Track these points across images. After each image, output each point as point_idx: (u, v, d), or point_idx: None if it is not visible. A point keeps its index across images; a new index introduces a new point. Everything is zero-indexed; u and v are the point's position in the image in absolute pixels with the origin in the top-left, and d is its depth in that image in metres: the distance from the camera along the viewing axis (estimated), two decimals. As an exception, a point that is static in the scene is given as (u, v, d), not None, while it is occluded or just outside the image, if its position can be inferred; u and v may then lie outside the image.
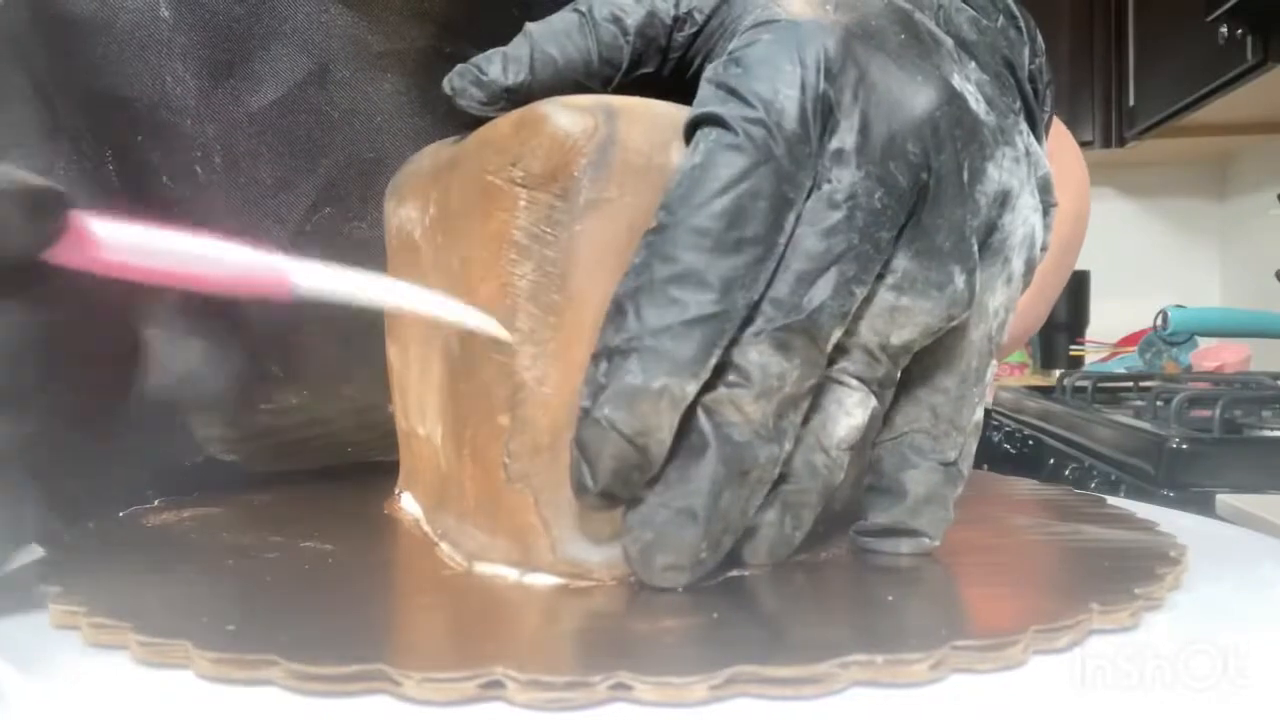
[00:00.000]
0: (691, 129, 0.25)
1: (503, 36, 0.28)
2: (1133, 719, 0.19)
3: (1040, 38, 0.30)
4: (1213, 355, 1.73)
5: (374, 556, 0.31)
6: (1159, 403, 1.12)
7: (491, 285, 0.26)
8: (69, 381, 0.26)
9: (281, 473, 0.42)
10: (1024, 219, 0.27)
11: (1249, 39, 1.45)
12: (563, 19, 0.28)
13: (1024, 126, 0.28)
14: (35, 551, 0.29)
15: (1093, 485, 1.09)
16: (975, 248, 0.26)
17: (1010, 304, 0.28)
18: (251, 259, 0.25)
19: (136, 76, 0.35)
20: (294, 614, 0.24)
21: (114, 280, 0.24)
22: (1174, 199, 2.40)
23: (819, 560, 0.28)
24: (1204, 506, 0.83)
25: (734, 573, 0.26)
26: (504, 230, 0.26)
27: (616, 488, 0.24)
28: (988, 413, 1.44)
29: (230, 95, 0.36)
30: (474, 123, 0.28)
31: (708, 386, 0.23)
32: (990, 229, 0.27)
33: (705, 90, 0.25)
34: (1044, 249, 0.29)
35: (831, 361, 0.25)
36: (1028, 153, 0.28)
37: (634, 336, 0.23)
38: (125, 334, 0.25)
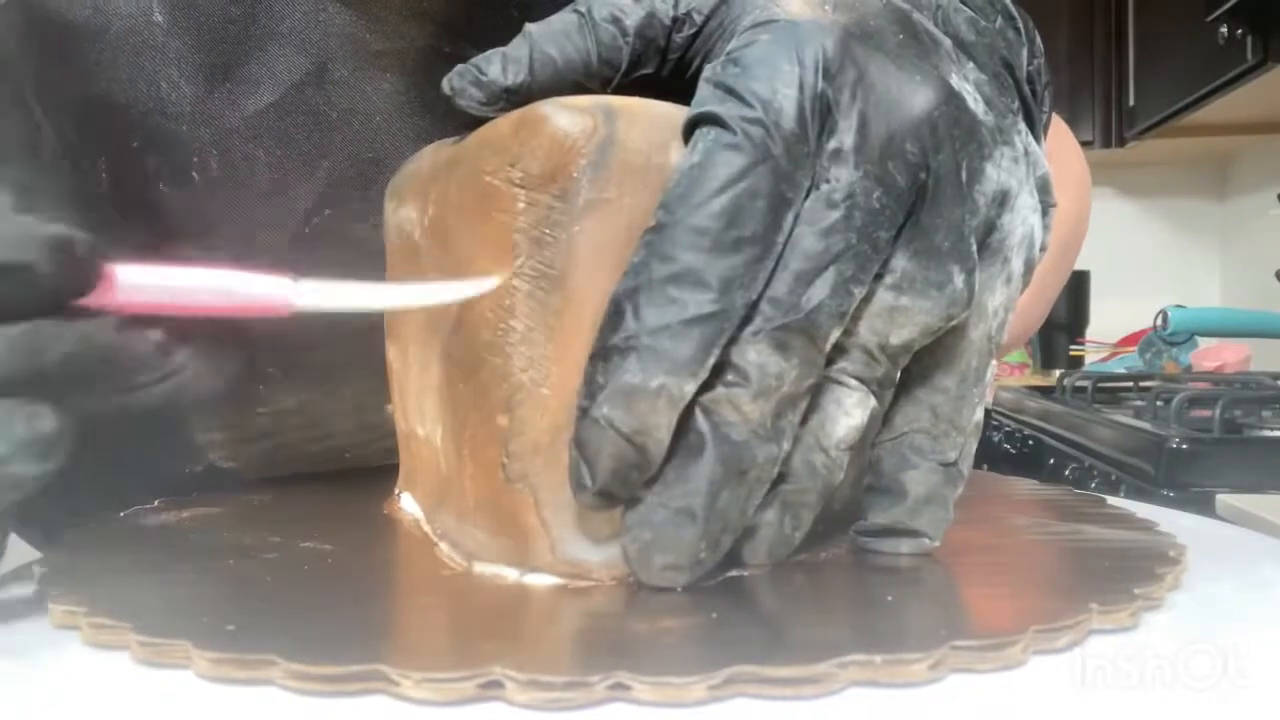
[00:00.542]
0: (690, 129, 0.25)
1: (501, 37, 0.28)
2: (1133, 719, 0.19)
3: (1039, 39, 0.30)
4: (1213, 355, 1.74)
5: (374, 556, 0.31)
6: (1159, 403, 1.12)
7: (491, 285, 0.26)
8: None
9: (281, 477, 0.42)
10: (1023, 219, 0.27)
11: (1249, 39, 1.45)
12: (562, 20, 0.28)
13: (1022, 126, 0.28)
14: (35, 551, 0.29)
15: (1093, 485, 1.09)
16: (974, 247, 0.26)
17: (1010, 304, 0.28)
18: (255, 283, 0.26)
19: (131, 82, 0.35)
20: (294, 614, 0.24)
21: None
22: (1174, 199, 2.40)
23: (818, 560, 0.28)
24: (1204, 506, 0.83)
25: (733, 573, 0.26)
26: (503, 231, 0.26)
27: (615, 487, 0.24)
28: (987, 413, 1.44)
29: (226, 98, 0.36)
30: (473, 123, 0.28)
31: (706, 386, 0.23)
32: (989, 229, 0.27)
33: (704, 90, 0.25)
34: (1043, 249, 0.29)
35: (830, 361, 0.25)
36: (1026, 153, 0.28)
37: (632, 336, 0.23)
38: (125, 339, 0.25)
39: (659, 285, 0.23)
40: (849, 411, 0.25)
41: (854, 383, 0.25)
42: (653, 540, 0.24)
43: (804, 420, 0.25)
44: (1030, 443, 1.45)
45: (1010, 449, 1.51)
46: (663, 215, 0.24)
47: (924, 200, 0.25)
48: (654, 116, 0.26)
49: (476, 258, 0.27)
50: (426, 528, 0.31)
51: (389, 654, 0.20)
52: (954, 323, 0.26)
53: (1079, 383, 1.42)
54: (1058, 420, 1.34)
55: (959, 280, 0.25)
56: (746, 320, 0.24)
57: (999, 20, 0.29)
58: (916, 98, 0.25)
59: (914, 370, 0.27)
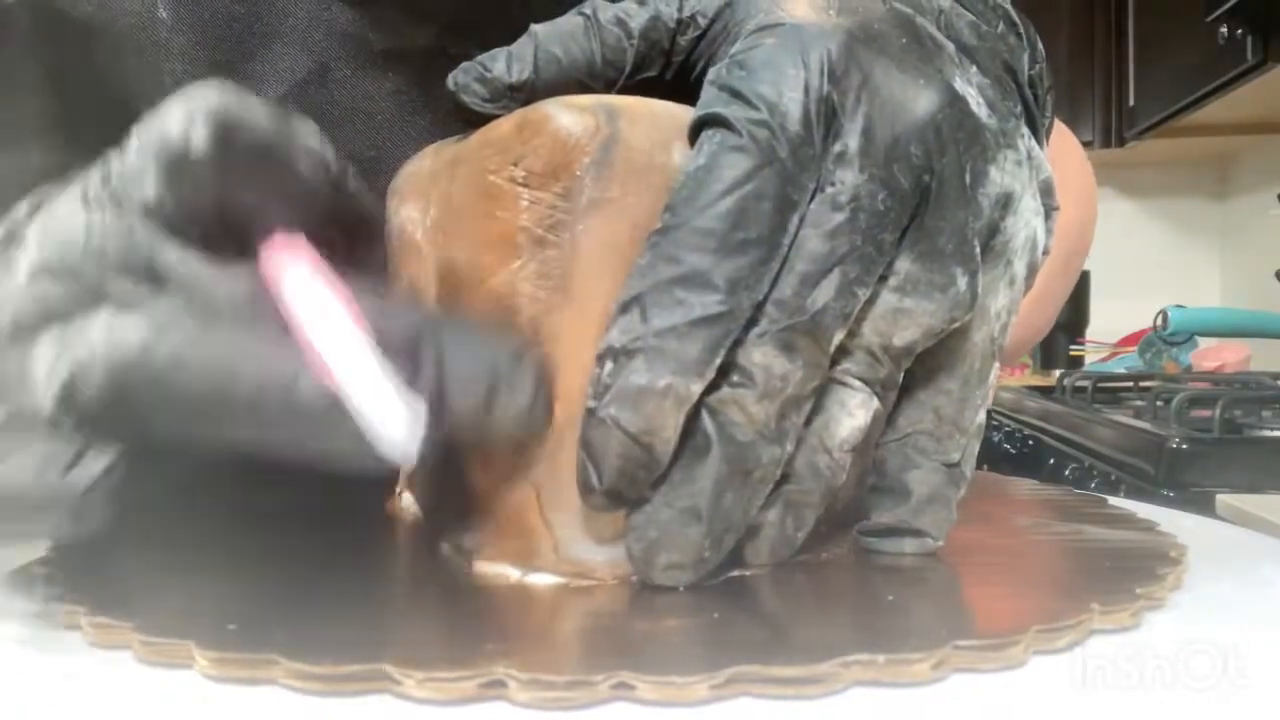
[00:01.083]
0: (695, 131, 0.25)
1: (504, 38, 0.28)
2: (1133, 719, 0.20)
3: (1040, 44, 0.30)
4: (1213, 355, 1.74)
5: (374, 556, 0.31)
6: (1159, 403, 1.12)
7: (493, 285, 0.26)
8: None
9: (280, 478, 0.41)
10: (1026, 222, 0.27)
11: (1249, 39, 1.45)
12: (568, 21, 0.28)
13: (1025, 130, 0.28)
14: (36, 551, 0.29)
15: (1093, 485, 1.09)
16: (977, 250, 0.26)
17: (1013, 306, 0.28)
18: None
19: (136, 78, 0.35)
20: (295, 613, 0.24)
21: None
22: (1174, 199, 2.40)
23: (820, 560, 0.28)
24: (1204, 506, 0.83)
25: (736, 572, 0.26)
26: (506, 230, 0.26)
27: (622, 487, 0.24)
28: (988, 413, 1.44)
29: None
30: (476, 122, 0.28)
31: (712, 387, 0.24)
32: (992, 231, 0.27)
33: (709, 92, 0.25)
34: (1046, 252, 0.29)
35: (834, 363, 0.25)
36: (1029, 156, 0.28)
37: (639, 337, 0.23)
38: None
39: (665, 287, 0.23)
40: (852, 413, 0.25)
41: (857, 384, 0.25)
42: (657, 539, 0.24)
43: (808, 421, 0.25)
44: (1030, 443, 1.45)
45: (1010, 449, 1.51)
46: (669, 217, 0.24)
47: (928, 203, 0.25)
48: (656, 115, 0.26)
49: (479, 257, 0.27)
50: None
51: (391, 653, 0.20)
52: (957, 325, 0.26)
53: (1079, 383, 1.42)
54: (1058, 420, 1.34)
55: (962, 282, 0.25)
56: (752, 322, 0.24)
57: (1000, 25, 0.29)
58: (920, 101, 0.25)
59: (917, 372, 0.27)
